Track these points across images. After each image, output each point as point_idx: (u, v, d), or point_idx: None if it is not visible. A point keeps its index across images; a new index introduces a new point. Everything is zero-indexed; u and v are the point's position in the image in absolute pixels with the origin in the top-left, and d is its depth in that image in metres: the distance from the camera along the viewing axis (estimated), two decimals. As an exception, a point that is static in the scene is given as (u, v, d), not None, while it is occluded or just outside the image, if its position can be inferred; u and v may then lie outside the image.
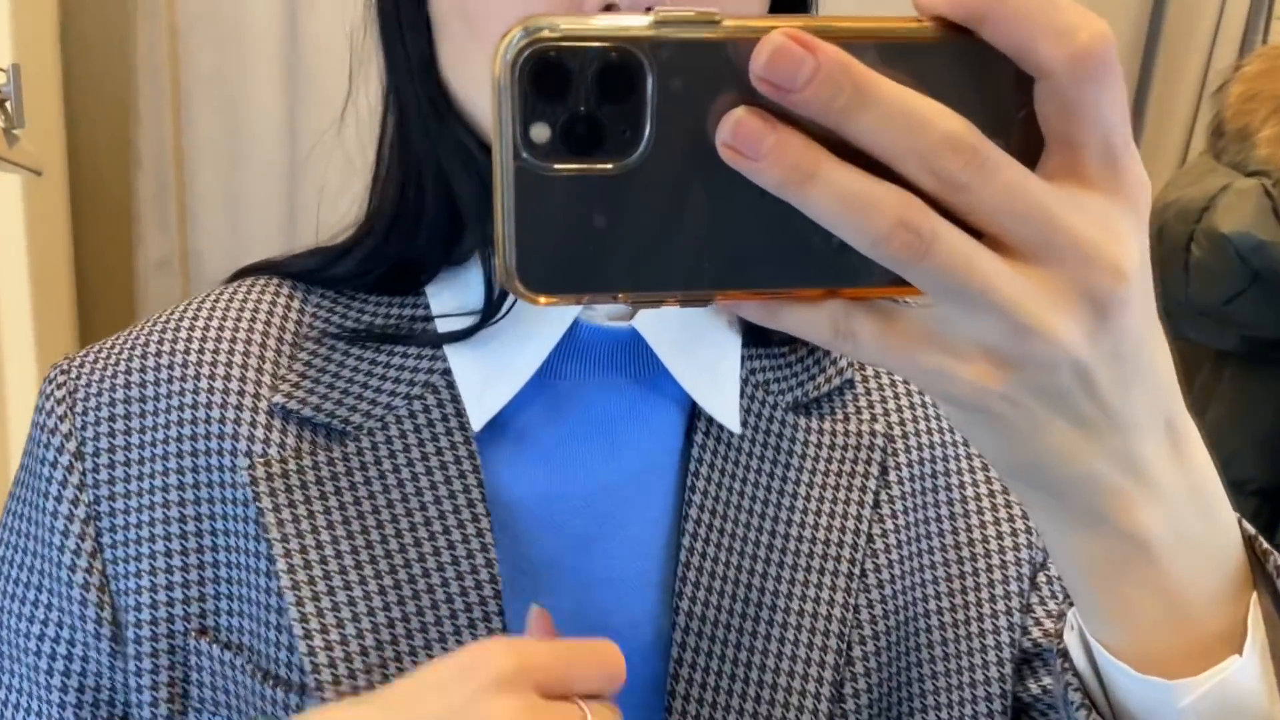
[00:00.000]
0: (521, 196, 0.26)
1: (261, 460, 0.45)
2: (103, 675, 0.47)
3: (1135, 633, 0.33)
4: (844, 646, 0.47)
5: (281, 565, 0.43)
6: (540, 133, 0.25)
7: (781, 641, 0.47)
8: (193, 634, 0.45)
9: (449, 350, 0.46)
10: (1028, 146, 0.26)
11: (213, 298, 0.49)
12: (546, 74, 0.25)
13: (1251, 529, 0.33)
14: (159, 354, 0.47)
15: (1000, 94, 0.26)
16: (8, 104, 0.91)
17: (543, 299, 0.27)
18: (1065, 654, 0.35)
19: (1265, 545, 0.33)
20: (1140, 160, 0.26)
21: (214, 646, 0.45)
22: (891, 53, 0.25)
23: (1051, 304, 0.26)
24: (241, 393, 0.46)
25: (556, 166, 0.26)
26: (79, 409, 0.47)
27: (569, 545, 0.46)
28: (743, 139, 0.25)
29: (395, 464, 0.46)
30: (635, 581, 0.46)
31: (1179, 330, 1.01)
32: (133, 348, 0.47)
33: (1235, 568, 0.33)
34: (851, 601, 0.47)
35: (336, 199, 1.23)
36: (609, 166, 0.26)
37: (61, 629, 0.47)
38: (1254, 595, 0.33)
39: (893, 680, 0.48)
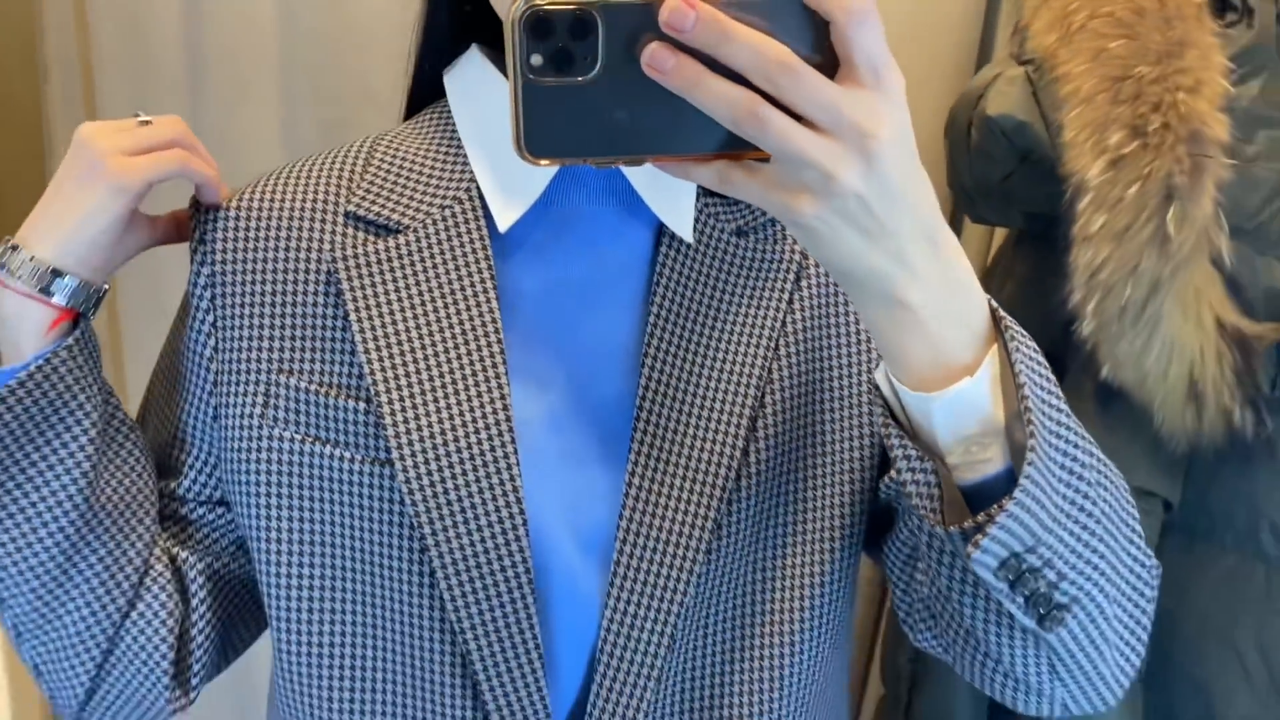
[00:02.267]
0: (526, 99, 0.44)
1: (340, 248, 0.65)
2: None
3: (912, 369, 0.51)
4: (759, 395, 0.66)
5: (352, 316, 0.64)
6: (536, 60, 0.43)
7: (715, 392, 0.65)
8: (275, 373, 0.65)
9: (477, 172, 0.66)
10: (827, 64, 0.43)
11: (307, 157, 0.70)
12: (539, 25, 0.43)
13: (995, 303, 0.52)
14: (268, 194, 0.67)
15: (811, 33, 0.43)
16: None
17: (542, 161, 0.46)
18: (877, 386, 0.54)
19: (1002, 313, 0.52)
20: (896, 68, 0.44)
21: (292, 379, 0.64)
22: (746, 8, 0.42)
23: (840, 157, 0.44)
24: (324, 206, 0.66)
25: (546, 80, 0.44)
26: (208, 244, 0.67)
27: (561, 325, 0.65)
28: (656, 61, 0.43)
29: (430, 254, 0.65)
30: (613, 352, 0.65)
31: (977, 214, 1.10)
32: (247, 199, 0.68)
33: (980, 328, 0.51)
34: (769, 362, 0.66)
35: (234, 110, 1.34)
36: (578, 79, 0.44)
37: (194, 383, 0.68)
38: (995, 345, 0.51)
39: (800, 420, 0.67)
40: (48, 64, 1.25)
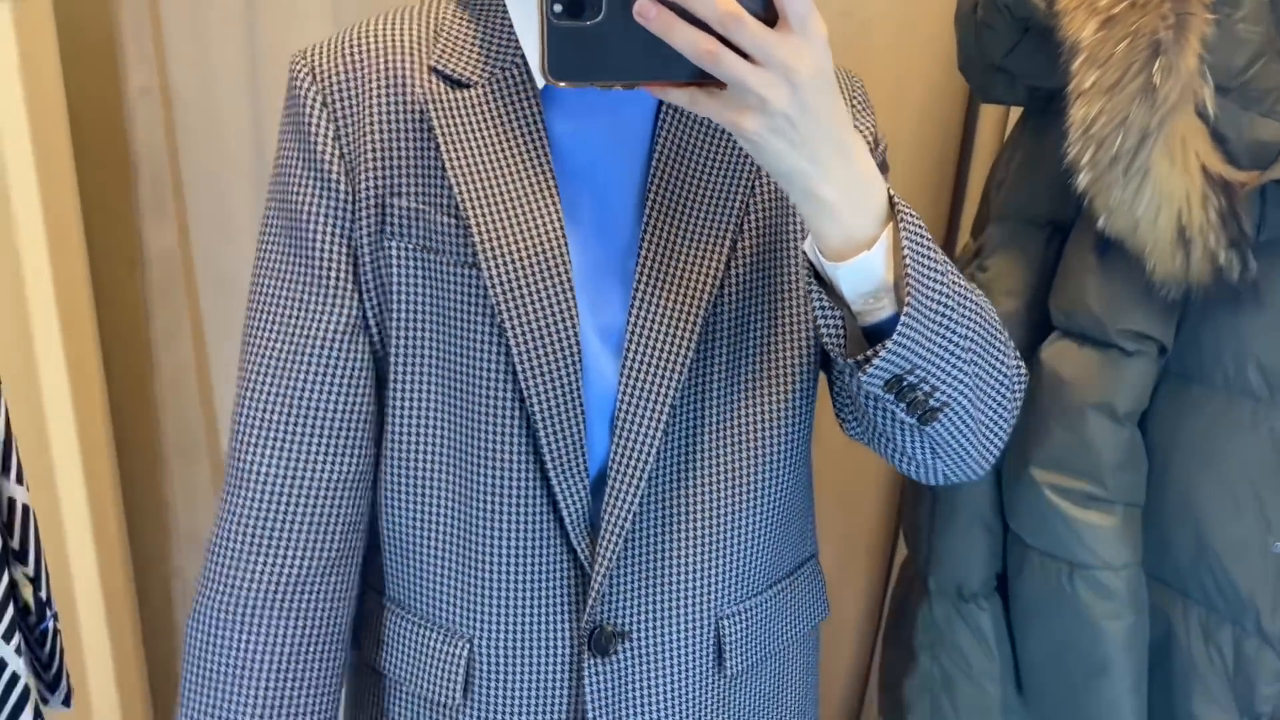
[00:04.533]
0: (549, 36, 0.63)
1: (428, 93, 0.82)
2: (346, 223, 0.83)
3: (828, 244, 0.71)
4: (739, 225, 0.85)
5: (443, 148, 0.81)
6: (557, 8, 0.62)
7: (703, 221, 0.84)
8: (389, 195, 0.82)
9: (522, 43, 0.83)
10: (769, 18, 0.62)
11: (378, 15, 0.86)
12: None
13: (894, 193, 0.72)
14: (362, 41, 0.84)
15: None
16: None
17: (560, 83, 0.64)
18: (805, 254, 0.74)
19: (898, 199, 0.71)
20: (819, 19, 0.63)
21: (399, 199, 0.82)
22: None
23: (772, 85, 0.63)
24: (412, 57, 0.83)
25: (564, 22, 0.63)
26: (318, 75, 0.83)
27: (586, 163, 0.84)
28: (642, 10, 0.62)
29: (495, 104, 0.82)
30: (625, 187, 0.84)
31: (988, 93, 1.17)
32: (343, 41, 0.84)
33: (880, 212, 0.71)
34: (746, 200, 0.85)
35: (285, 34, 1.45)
36: (587, 23, 0.63)
37: (323, 196, 0.83)
38: (890, 225, 0.71)
39: (771, 253, 0.87)
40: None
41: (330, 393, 0.83)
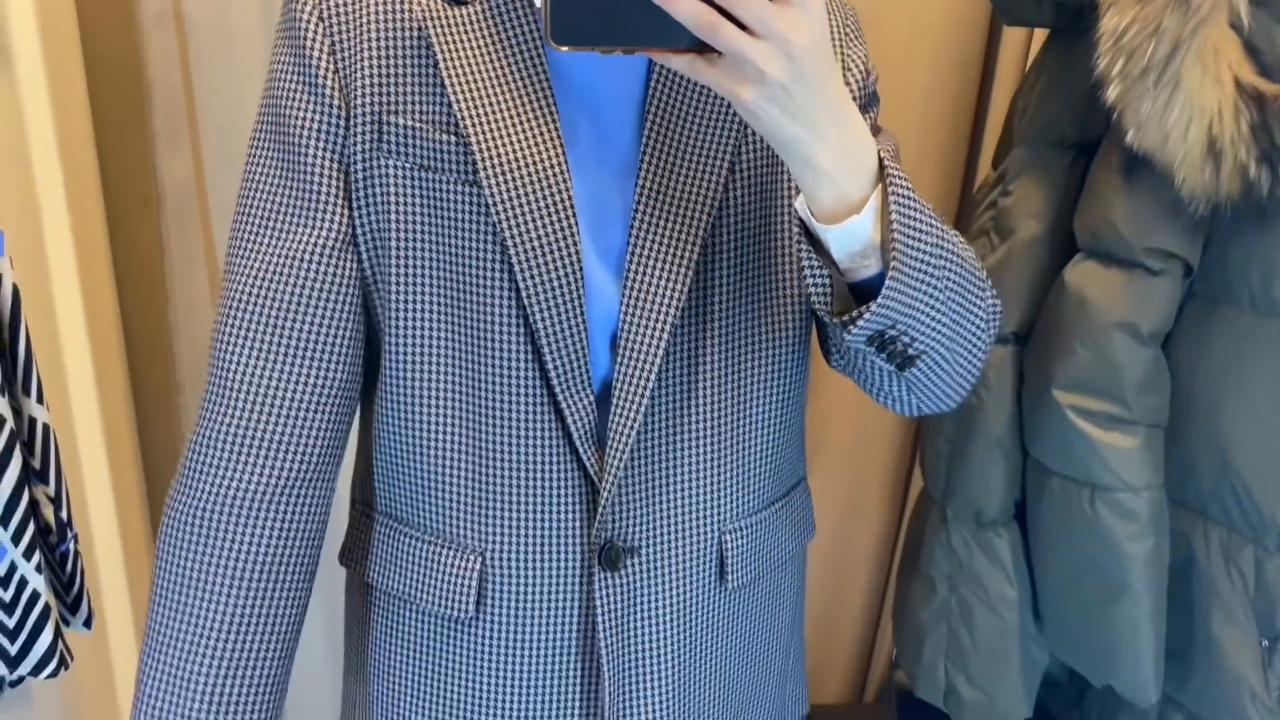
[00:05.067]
0: (553, 2, 0.64)
1: (426, 10, 0.81)
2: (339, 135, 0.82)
3: (820, 207, 0.73)
4: (737, 147, 0.85)
5: (442, 65, 0.80)
6: None
7: (703, 139, 0.84)
8: (385, 113, 0.81)
9: None
10: None
11: None
12: None
13: (884, 155, 0.73)
14: None
15: None
16: None
17: (563, 48, 0.64)
18: (798, 214, 0.75)
19: (888, 163, 0.73)
20: None
21: (397, 117, 0.80)
22: None
23: (770, 57, 0.64)
24: None
25: None
26: None
27: (585, 82, 0.83)
28: None
29: (493, 21, 0.82)
30: (624, 106, 0.84)
31: (1012, 15, 1.16)
32: None
33: (871, 175, 0.73)
34: (744, 127, 0.85)
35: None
36: None
37: (315, 110, 0.82)
38: (879, 186, 0.73)
39: (769, 183, 0.87)
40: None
41: (314, 305, 0.82)
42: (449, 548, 0.88)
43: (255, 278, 0.82)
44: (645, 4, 0.63)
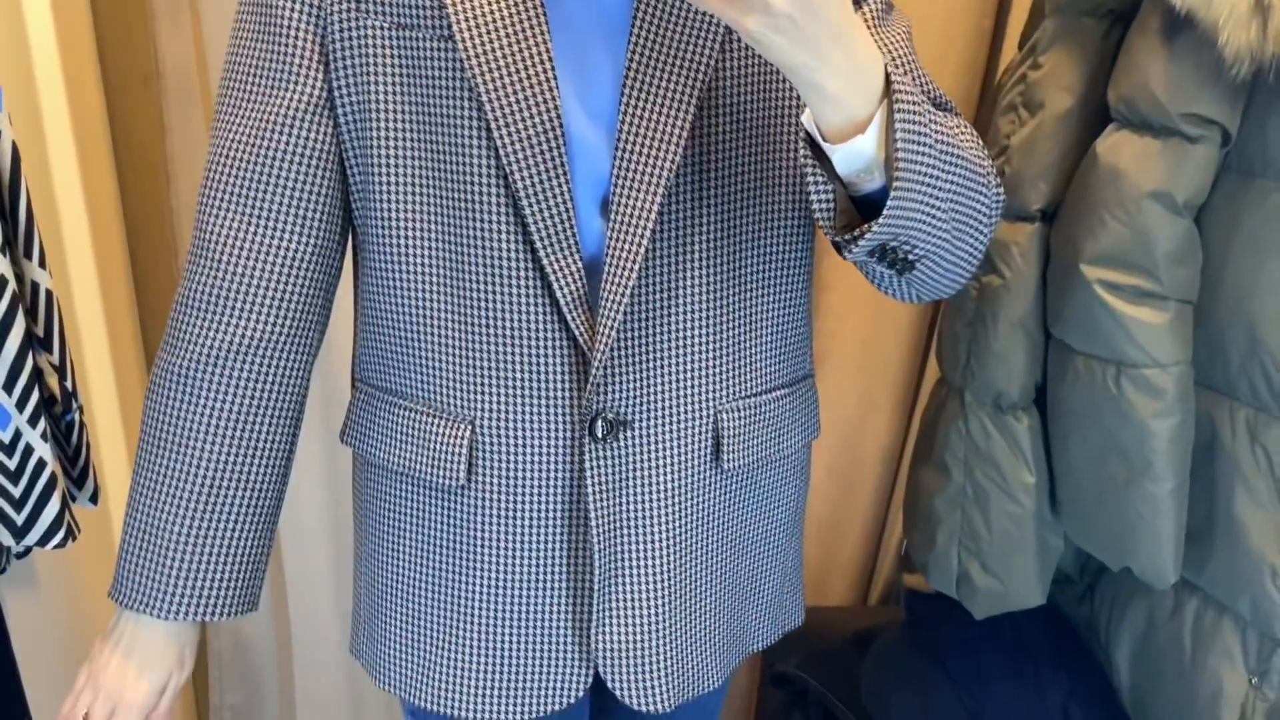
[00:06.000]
0: None
1: None
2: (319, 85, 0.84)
3: (827, 126, 0.73)
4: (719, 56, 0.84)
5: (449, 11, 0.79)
6: None
7: (677, 53, 0.83)
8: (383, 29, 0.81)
9: None
10: None
11: None
12: None
13: (890, 70, 0.73)
14: None
15: None
16: None
17: None
18: (805, 128, 0.75)
19: (895, 79, 0.72)
20: None
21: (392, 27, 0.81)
22: None
23: None
24: None
25: None
26: None
27: (584, 17, 0.82)
28: None
29: None
30: (616, 32, 0.82)
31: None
32: None
33: (877, 93, 0.72)
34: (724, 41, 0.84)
35: None
36: None
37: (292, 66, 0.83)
38: (884, 103, 0.72)
39: (762, 96, 0.87)
40: None
41: (292, 167, 0.84)
42: (439, 417, 0.88)
43: (233, 143, 0.84)
44: None
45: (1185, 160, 0.97)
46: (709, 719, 1.10)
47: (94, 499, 1.16)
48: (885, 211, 0.73)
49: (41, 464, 1.04)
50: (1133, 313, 1.01)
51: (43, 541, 1.06)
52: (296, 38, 0.82)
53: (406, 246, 0.86)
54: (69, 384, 1.09)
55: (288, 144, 0.83)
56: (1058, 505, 1.19)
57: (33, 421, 1.02)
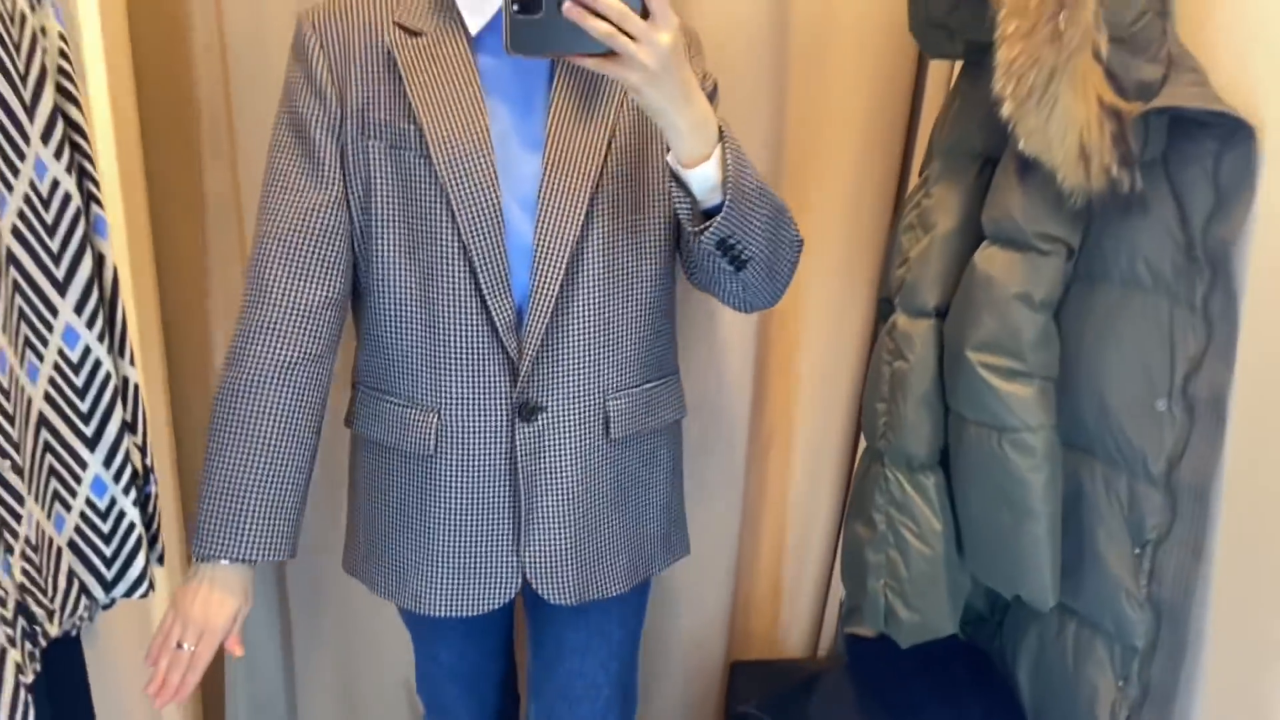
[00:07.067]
0: (510, 24, 1.01)
1: (393, 39, 1.21)
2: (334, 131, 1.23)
3: (682, 156, 1.10)
4: (615, 124, 1.25)
5: (404, 75, 1.20)
6: (515, 6, 1.01)
7: (590, 121, 1.24)
8: (367, 109, 1.21)
9: (459, 4, 1.22)
10: (644, 13, 1.00)
11: None
12: None
13: (723, 125, 1.12)
14: (349, 1, 1.23)
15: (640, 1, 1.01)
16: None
17: (517, 54, 1.02)
18: (669, 163, 1.13)
19: (725, 127, 1.11)
20: (672, 15, 1.01)
21: (374, 113, 1.21)
22: None
23: (647, 54, 1.01)
24: (380, 16, 1.22)
25: (519, 16, 1.01)
26: (315, 26, 1.22)
27: (504, 84, 1.22)
28: (568, 10, 0.99)
29: (441, 46, 1.21)
30: (534, 99, 1.23)
31: (934, 49, 1.41)
32: (334, 2, 1.24)
33: (714, 138, 1.10)
34: (619, 111, 1.25)
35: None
36: (535, 15, 1.00)
37: (320, 109, 1.22)
38: (720, 144, 1.10)
39: (639, 150, 1.28)
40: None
41: (322, 240, 1.22)
42: (414, 407, 1.27)
43: (281, 221, 1.21)
44: (572, 26, 0.98)
45: (1041, 268, 1.25)
46: (615, 624, 1.42)
47: (160, 560, 1.38)
48: (723, 209, 1.09)
49: (132, 527, 1.26)
50: (1007, 388, 1.28)
51: (129, 593, 1.28)
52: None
53: (393, 292, 1.24)
54: (148, 461, 1.31)
55: (320, 225, 1.22)
56: (963, 547, 1.44)
57: (125, 491, 1.25)
